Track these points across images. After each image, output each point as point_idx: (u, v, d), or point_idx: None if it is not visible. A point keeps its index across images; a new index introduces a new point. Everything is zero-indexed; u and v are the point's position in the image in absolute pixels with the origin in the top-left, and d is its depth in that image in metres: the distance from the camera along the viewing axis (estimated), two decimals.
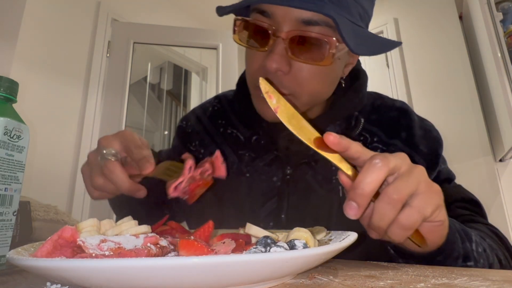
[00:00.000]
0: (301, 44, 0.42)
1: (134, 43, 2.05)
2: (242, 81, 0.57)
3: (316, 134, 0.32)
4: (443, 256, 0.35)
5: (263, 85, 0.32)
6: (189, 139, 0.61)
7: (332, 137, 0.30)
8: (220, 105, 0.63)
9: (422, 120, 0.55)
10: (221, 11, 0.48)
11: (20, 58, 1.58)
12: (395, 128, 0.52)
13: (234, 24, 0.46)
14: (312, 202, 0.51)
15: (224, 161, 0.49)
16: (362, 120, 0.53)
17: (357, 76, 0.54)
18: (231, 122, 0.59)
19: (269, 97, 0.32)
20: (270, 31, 0.43)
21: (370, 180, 0.29)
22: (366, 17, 0.46)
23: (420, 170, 0.31)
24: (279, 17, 0.42)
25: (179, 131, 0.63)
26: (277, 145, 0.53)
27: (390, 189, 0.29)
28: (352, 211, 0.29)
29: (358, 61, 0.55)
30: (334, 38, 0.42)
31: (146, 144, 0.41)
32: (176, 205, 0.60)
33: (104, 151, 0.39)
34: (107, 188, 0.40)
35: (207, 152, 0.57)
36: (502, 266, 0.41)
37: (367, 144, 0.51)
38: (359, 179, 0.29)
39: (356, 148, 0.31)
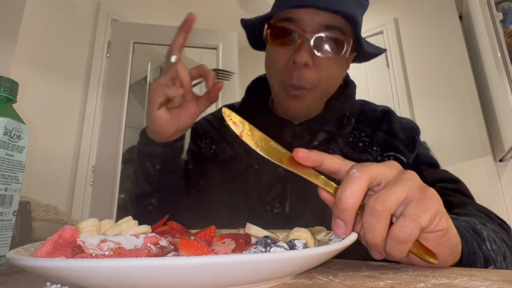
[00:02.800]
0: (324, 42, 0.52)
1: (134, 43, 2.05)
2: (250, 89, 0.67)
3: (286, 152, 0.32)
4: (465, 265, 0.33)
5: (227, 112, 0.34)
6: (200, 138, 0.68)
7: (300, 153, 0.30)
8: None
9: (402, 118, 0.63)
10: (246, 22, 0.58)
11: (20, 58, 1.58)
12: (378, 123, 0.60)
13: (266, 28, 0.56)
14: (314, 187, 0.52)
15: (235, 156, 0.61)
16: (353, 120, 0.61)
17: (348, 84, 0.65)
18: None
19: (233, 123, 0.34)
20: (297, 33, 0.52)
21: (349, 192, 0.27)
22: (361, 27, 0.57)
23: (411, 175, 0.29)
24: (305, 22, 0.51)
25: (191, 133, 0.71)
26: (280, 141, 0.56)
27: (372, 200, 0.27)
28: (340, 229, 0.28)
29: (347, 74, 0.64)
30: (347, 38, 0.52)
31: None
32: (188, 194, 0.64)
33: (173, 58, 0.49)
34: (170, 90, 0.47)
35: (218, 148, 0.64)
36: (507, 245, 0.40)
37: (356, 139, 0.59)
38: (338, 194, 0.28)
39: (333, 161, 0.30)
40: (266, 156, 0.32)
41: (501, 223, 0.45)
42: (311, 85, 0.53)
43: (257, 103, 0.64)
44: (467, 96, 1.92)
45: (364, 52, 0.56)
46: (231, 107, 0.71)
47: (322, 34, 0.51)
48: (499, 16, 1.65)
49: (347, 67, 0.61)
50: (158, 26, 2.13)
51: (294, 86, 0.53)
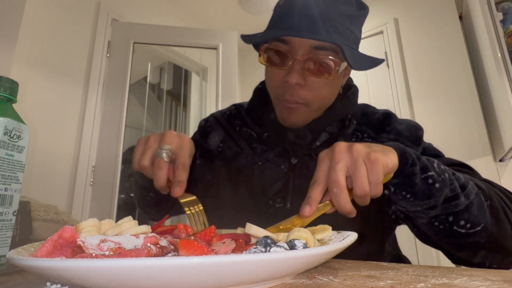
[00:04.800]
0: (315, 64, 0.54)
1: (134, 43, 2.05)
2: (258, 90, 0.70)
3: (293, 217, 0.40)
4: (401, 165, 0.42)
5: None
6: (208, 136, 0.71)
7: (306, 212, 0.39)
8: (237, 110, 0.74)
9: (402, 119, 0.66)
10: (247, 40, 0.59)
11: (20, 58, 1.58)
12: (381, 125, 0.63)
13: (260, 49, 0.59)
14: None
15: (240, 153, 0.64)
16: (355, 122, 0.64)
17: (350, 88, 0.67)
18: (246, 123, 0.70)
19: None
20: (289, 55, 0.54)
21: (342, 204, 0.38)
22: (357, 41, 0.59)
23: (358, 149, 0.39)
24: (296, 44, 0.54)
25: (200, 129, 0.74)
26: (284, 140, 0.62)
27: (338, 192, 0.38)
28: (351, 215, 0.39)
29: (351, 78, 0.67)
30: (337, 59, 0.54)
31: (188, 166, 0.48)
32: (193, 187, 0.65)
33: (163, 146, 0.47)
34: (147, 172, 0.48)
35: (225, 145, 0.67)
36: (489, 199, 0.45)
37: (358, 140, 0.62)
38: (340, 209, 0.38)
39: (318, 194, 0.39)
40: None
41: (503, 190, 0.51)
42: (304, 100, 0.56)
43: (264, 104, 0.66)
44: (467, 96, 1.92)
45: (358, 69, 0.57)
46: (239, 106, 0.75)
47: (313, 56, 0.53)
48: (499, 16, 1.64)
49: (345, 77, 0.64)
50: (158, 26, 2.13)
51: (288, 101, 0.56)
